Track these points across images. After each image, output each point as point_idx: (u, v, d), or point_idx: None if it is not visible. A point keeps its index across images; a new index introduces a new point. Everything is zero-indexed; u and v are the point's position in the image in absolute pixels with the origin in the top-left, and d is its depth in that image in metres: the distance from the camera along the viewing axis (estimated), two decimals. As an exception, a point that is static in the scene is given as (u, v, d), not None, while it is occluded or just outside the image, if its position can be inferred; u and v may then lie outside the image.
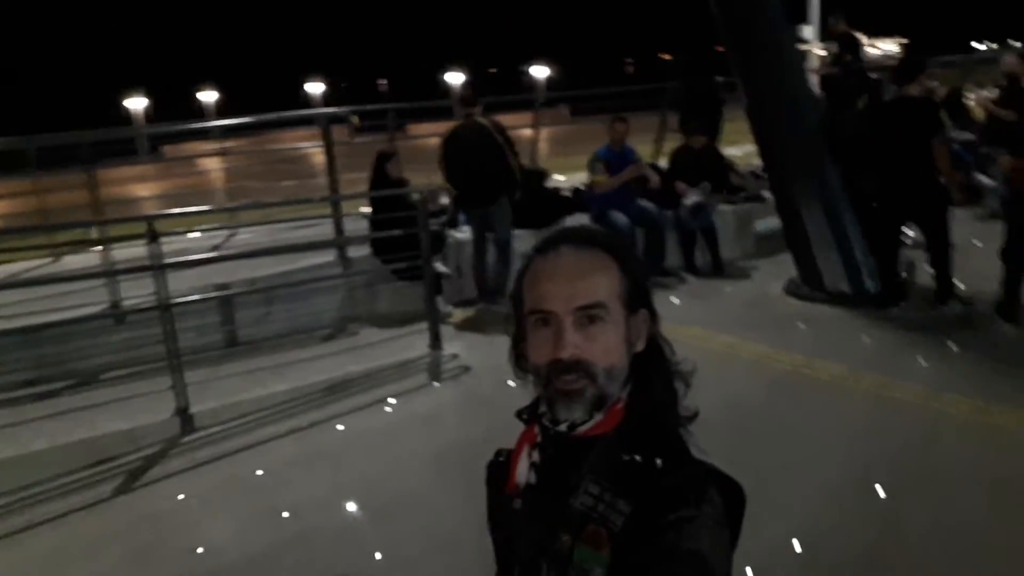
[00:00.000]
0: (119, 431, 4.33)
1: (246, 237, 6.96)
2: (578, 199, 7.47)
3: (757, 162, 9.21)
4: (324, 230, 6.61)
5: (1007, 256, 5.23)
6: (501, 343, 1.21)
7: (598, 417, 1.06)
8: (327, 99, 42.64)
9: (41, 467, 4.04)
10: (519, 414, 1.17)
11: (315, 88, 43.52)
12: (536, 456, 1.12)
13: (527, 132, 9.64)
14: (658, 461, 1.02)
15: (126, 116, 29.43)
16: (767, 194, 8.11)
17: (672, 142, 8.51)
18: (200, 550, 3.35)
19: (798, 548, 3.00)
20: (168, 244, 4.89)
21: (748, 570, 2.69)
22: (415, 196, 6.56)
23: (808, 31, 26.03)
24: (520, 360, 1.15)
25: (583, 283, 1.06)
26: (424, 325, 5.63)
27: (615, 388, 1.07)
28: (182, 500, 3.79)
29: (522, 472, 1.13)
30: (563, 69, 46.72)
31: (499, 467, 1.21)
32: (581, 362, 1.04)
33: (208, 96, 36.71)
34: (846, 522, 3.19)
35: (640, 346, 1.12)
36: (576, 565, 1.00)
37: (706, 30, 6.62)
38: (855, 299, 5.95)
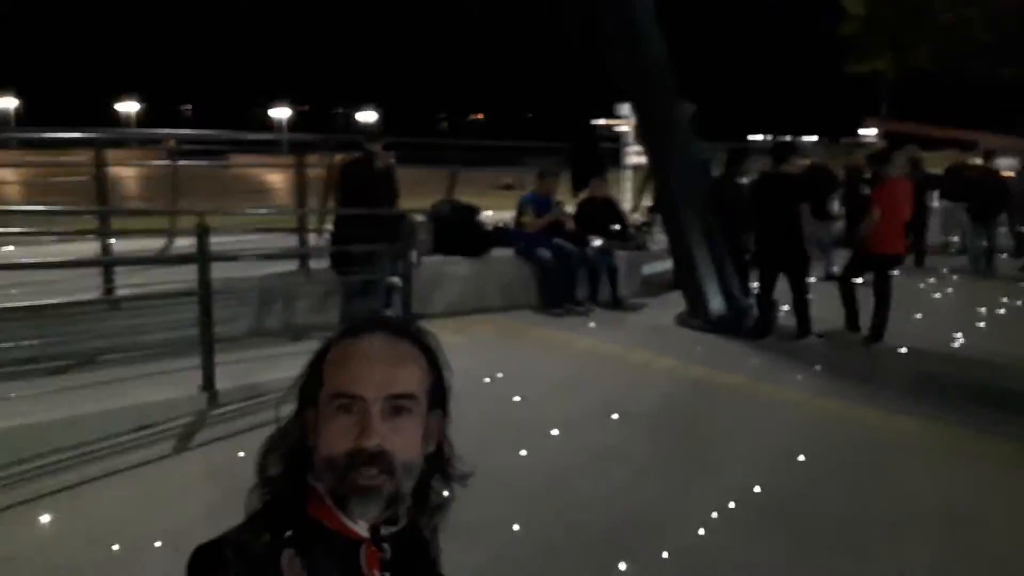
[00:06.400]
0: (155, 401, 4.77)
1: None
2: (501, 235, 8.56)
3: (638, 217, 10.82)
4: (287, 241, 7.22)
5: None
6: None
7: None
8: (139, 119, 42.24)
9: (88, 430, 4.43)
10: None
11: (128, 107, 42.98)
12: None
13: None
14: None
15: None
16: (651, 245, 9.65)
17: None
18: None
19: (758, 489, 4.18)
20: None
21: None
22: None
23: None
24: (277, 452, 1.08)
25: (398, 371, 1.04)
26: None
27: (409, 486, 1.05)
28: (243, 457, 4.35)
29: None
30: (384, 115, 48.98)
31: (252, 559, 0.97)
32: (384, 454, 0.99)
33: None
34: (776, 485, 4.42)
35: (431, 447, 1.11)
36: None
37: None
38: (735, 330, 7.44)
